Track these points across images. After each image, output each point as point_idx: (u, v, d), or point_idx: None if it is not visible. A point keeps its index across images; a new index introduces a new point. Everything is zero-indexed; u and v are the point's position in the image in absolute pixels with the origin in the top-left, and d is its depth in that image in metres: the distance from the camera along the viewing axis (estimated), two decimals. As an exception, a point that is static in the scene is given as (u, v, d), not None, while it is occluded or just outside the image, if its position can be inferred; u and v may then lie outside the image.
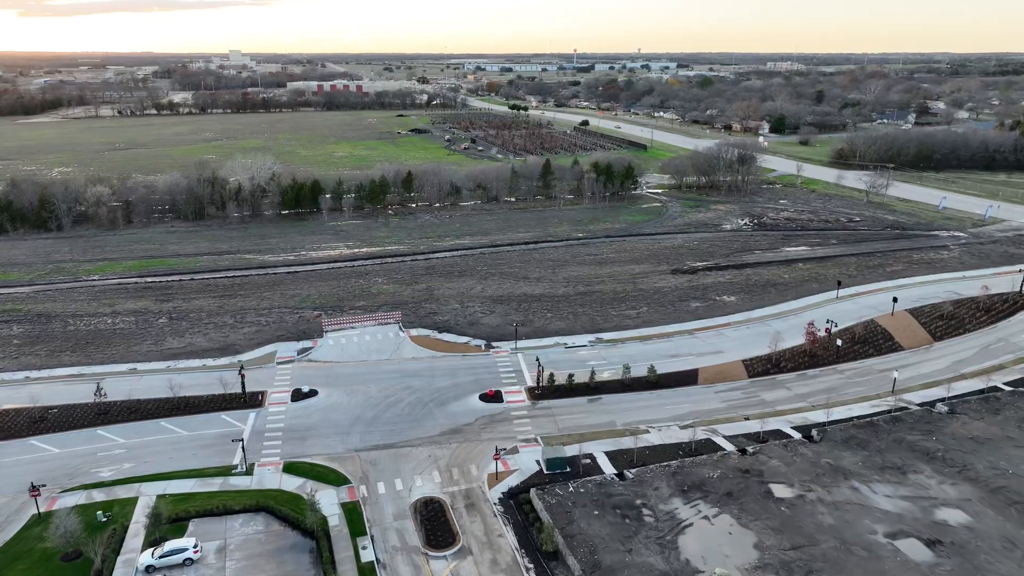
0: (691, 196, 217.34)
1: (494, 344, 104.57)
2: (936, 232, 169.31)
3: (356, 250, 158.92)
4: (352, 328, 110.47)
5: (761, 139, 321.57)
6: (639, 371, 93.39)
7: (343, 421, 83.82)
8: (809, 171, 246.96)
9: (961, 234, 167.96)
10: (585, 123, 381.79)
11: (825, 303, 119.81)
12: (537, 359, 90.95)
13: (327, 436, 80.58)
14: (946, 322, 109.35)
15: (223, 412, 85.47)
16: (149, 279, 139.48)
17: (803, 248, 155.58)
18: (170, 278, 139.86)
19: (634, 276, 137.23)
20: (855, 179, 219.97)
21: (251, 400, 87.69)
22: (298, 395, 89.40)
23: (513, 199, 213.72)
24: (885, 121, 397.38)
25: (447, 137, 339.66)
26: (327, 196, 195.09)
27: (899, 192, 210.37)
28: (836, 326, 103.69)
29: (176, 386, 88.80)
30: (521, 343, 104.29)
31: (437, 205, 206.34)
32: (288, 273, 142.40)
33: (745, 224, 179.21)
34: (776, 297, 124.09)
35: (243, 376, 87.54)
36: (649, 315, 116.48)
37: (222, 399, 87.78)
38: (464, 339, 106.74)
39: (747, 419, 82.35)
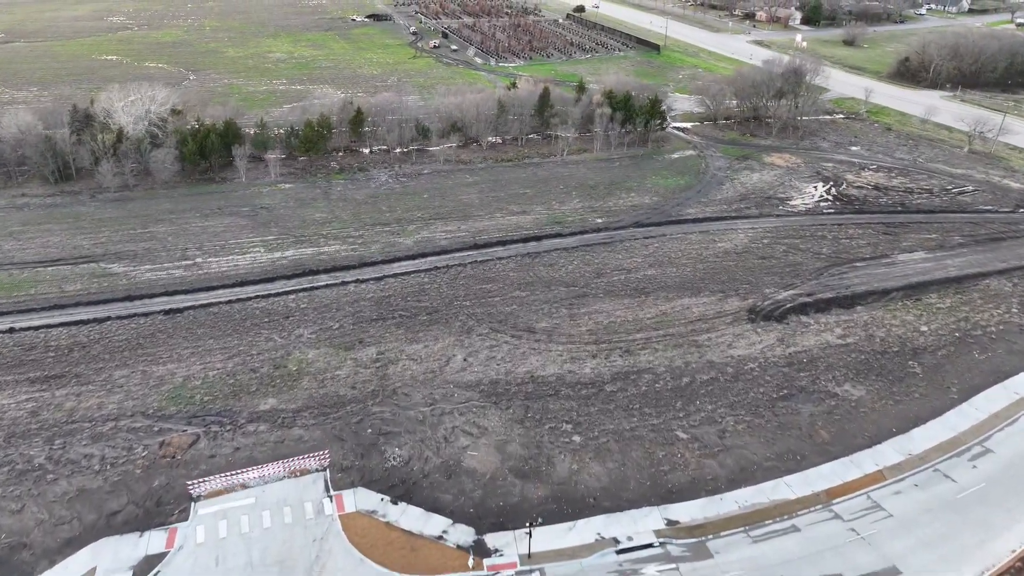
0: (732, 136, 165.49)
1: (491, 544, 59.22)
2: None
3: (277, 253, 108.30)
4: (244, 490, 63.96)
5: (799, 38, 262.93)
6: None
7: None
8: (863, 91, 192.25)
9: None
10: (580, 9, 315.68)
11: (1016, 408, 75.21)
12: None
13: None
14: None
15: None
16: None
17: (921, 255, 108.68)
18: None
19: (693, 326, 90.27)
20: (952, 115, 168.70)
21: None
22: None
23: (500, 139, 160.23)
24: (933, 7, 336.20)
25: (412, 30, 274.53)
26: (246, 143, 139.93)
27: (1003, 134, 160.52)
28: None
29: None
30: (538, 537, 59.08)
31: (399, 151, 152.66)
32: (166, 314, 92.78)
33: (822, 197, 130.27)
34: (927, 387, 78.88)
35: None
36: (739, 438, 71.03)
37: None
38: (439, 525, 60.95)
39: None
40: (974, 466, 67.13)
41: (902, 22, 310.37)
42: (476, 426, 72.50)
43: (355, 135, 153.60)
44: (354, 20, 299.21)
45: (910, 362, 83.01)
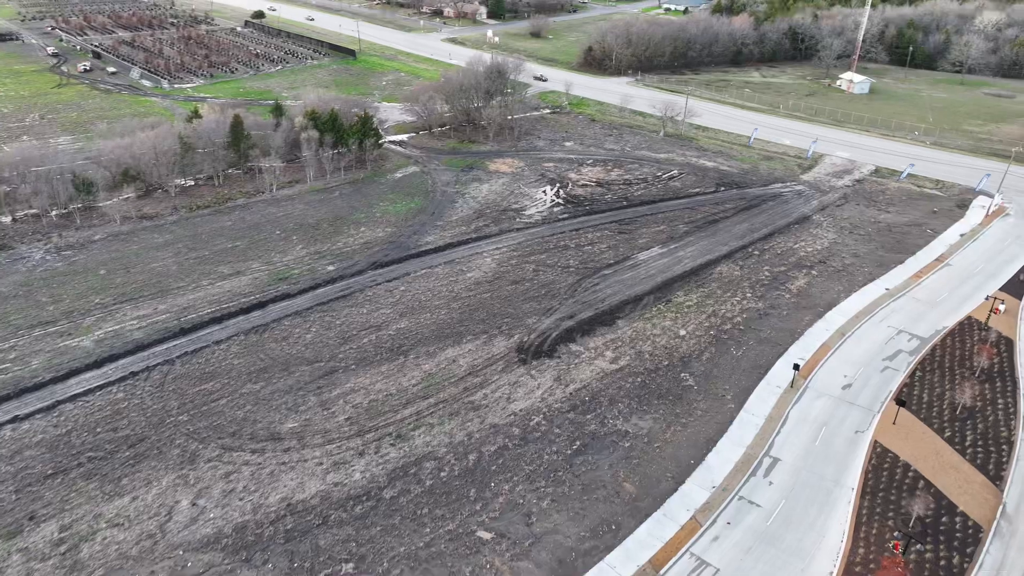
0: (452, 145, 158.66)
1: None
2: (777, 187, 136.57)
3: None
4: None
5: (490, 33, 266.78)
6: None
7: None
8: (562, 83, 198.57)
9: (799, 187, 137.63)
10: (260, 14, 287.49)
11: (786, 401, 76.64)
12: None
13: None
14: (964, 423, 73.26)
15: None
16: None
17: (657, 251, 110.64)
18: None
19: (465, 383, 79.76)
20: (644, 101, 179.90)
21: None
22: None
23: (191, 181, 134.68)
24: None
25: (52, 50, 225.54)
26: None
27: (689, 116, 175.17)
28: (906, 537, 59.68)
29: None
30: None
31: (55, 214, 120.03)
32: None
33: (554, 201, 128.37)
34: (705, 400, 77.53)
35: None
36: (548, 520, 62.01)
37: None
38: None
39: None
40: (770, 482, 66.07)
41: (575, 11, 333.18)
42: (226, 609, 54.09)
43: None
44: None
45: (682, 374, 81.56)
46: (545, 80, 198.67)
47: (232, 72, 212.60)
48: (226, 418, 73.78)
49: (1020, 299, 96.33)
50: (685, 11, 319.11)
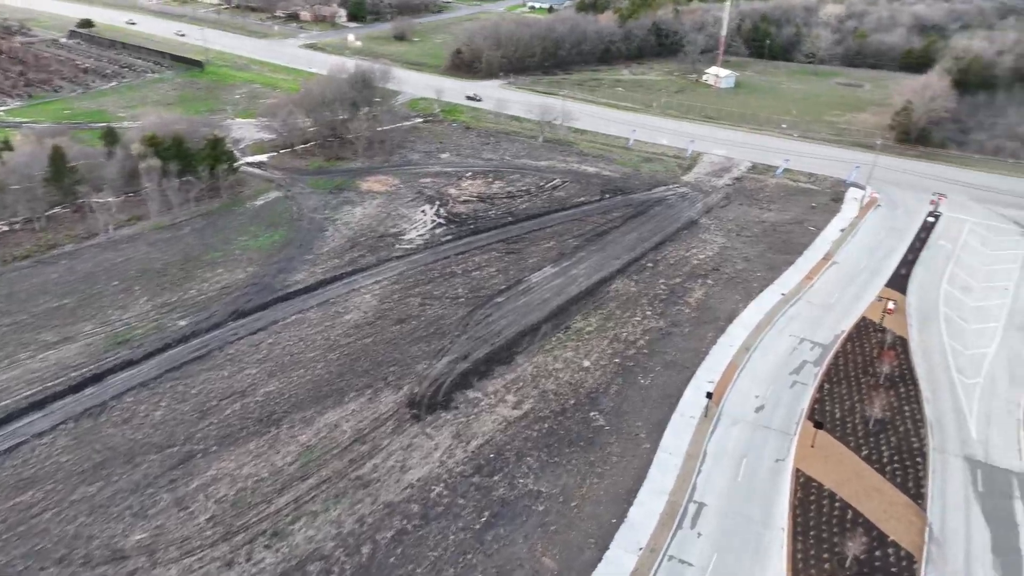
0: (317, 164, 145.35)
1: None
2: (660, 191, 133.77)
3: None
4: None
5: (351, 37, 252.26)
6: None
7: None
8: (432, 89, 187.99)
9: (682, 189, 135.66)
10: (88, 23, 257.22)
11: (702, 433, 71.56)
12: None
13: None
14: (877, 437, 71.01)
15: None
16: None
17: (550, 271, 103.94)
18: None
19: (351, 453, 69.26)
20: (520, 106, 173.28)
21: None
22: None
23: (5, 227, 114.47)
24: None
25: None
26: None
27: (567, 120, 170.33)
28: None
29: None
30: None
31: None
32: None
33: (435, 222, 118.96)
34: (618, 442, 71.22)
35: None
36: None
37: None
38: None
39: None
40: (699, 533, 60.53)
41: (440, 12, 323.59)
42: None
43: None
44: None
45: (592, 413, 74.99)
46: (480, 100, 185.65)
47: (56, 91, 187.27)
48: (51, 538, 59.53)
49: (905, 294, 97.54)
50: (550, 10, 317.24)
